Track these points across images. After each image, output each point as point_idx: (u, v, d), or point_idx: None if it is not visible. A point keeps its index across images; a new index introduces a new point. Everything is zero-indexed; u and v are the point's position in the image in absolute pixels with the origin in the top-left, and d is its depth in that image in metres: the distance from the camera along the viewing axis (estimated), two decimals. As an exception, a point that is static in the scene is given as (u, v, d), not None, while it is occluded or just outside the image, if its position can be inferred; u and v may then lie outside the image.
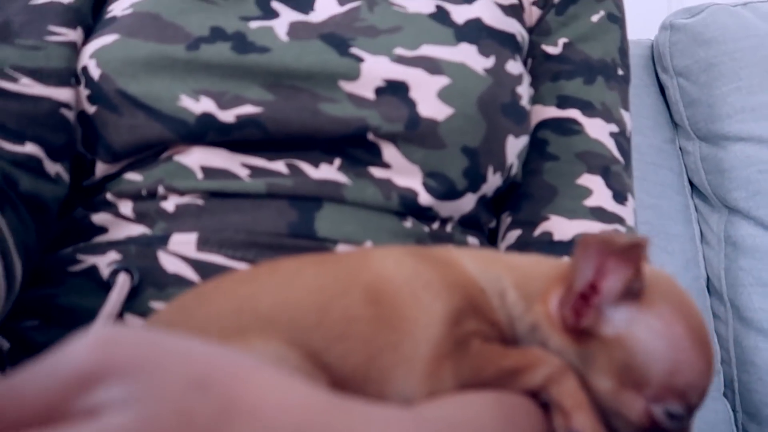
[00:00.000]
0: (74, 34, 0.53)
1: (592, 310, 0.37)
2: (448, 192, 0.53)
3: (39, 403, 0.22)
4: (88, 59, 0.51)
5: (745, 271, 0.77)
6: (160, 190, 0.50)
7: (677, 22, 0.88)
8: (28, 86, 0.50)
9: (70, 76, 0.52)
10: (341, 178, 0.51)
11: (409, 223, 0.52)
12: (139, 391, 0.22)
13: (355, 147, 0.52)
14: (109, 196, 0.51)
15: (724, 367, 0.78)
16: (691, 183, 0.87)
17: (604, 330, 0.36)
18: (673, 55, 0.87)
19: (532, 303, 0.40)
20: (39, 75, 0.51)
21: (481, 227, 0.60)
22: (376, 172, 0.52)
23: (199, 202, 0.49)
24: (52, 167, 0.51)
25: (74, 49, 0.53)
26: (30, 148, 0.49)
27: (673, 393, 0.35)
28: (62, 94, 0.51)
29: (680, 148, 0.88)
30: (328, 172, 0.51)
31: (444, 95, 0.52)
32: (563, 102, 0.62)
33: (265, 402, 0.24)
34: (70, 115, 0.52)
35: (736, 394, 0.76)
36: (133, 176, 0.51)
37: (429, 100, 0.51)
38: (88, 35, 0.54)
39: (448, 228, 0.56)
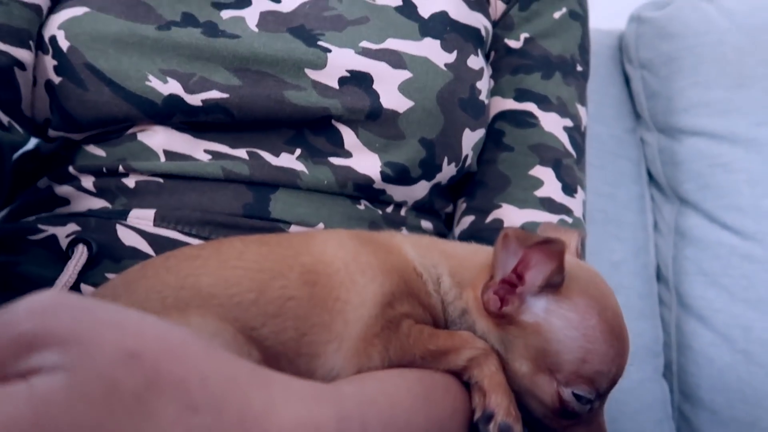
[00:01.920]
0: None
1: (515, 298, 0.40)
2: (402, 178, 0.56)
3: None
4: (56, 29, 0.51)
5: (690, 260, 0.81)
6: (121, 168, 0.52)
7: (645, 15, 0.89)
8: None
9: (29, 38, 0.52)
10: (299, 166, 0.53)
11: (362, 207, 0.55)
12: (72, 359, 0.24)
13: (317, 135, 0.54)
14: (71, 169, 0.53)
15: (665, 350, 0.82)
16: (649, 173, 0.90)
17: (524, 317, 0.40)
18: (638, 47, 0.89)
19: (464, 289, 0.43)
20: None
21: (435, 212, 0.62)
22: (336, 161, 0.54)
23: (159, 180, 0.51)
24: (4, 117, 0.52)
25: (38, 12, 0.53)
26: None
27: (583, 379, 0.39)
28: (18, 53, 0.51)
29: (641, 139, 0.90)
30: (288, 160, 0.53)
31: (405, 88, 0.54)
32: (521, 95, 0.64)
33: (190, 375, 0.26)
34: (21, 75, 0.52)
35: (674, 376, 0.81)
36: (96, 150, 0.53)
37: (391, 92, 0.53)
38: (55, 2, 0.54)
39: (402, 212, 0.58)
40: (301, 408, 0.28)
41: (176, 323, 0.32)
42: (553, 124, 0.64)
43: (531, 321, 0.39)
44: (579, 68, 0.67)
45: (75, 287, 0.46)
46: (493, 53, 0.66)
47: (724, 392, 0.74)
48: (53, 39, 0.52)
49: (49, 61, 0.52)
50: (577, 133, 0.65)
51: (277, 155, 0.53)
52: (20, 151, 0.60)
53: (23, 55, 0.52)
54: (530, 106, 0.64)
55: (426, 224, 0.60)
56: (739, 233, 0.77)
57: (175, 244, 0.48)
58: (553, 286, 0.39)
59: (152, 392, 0.24)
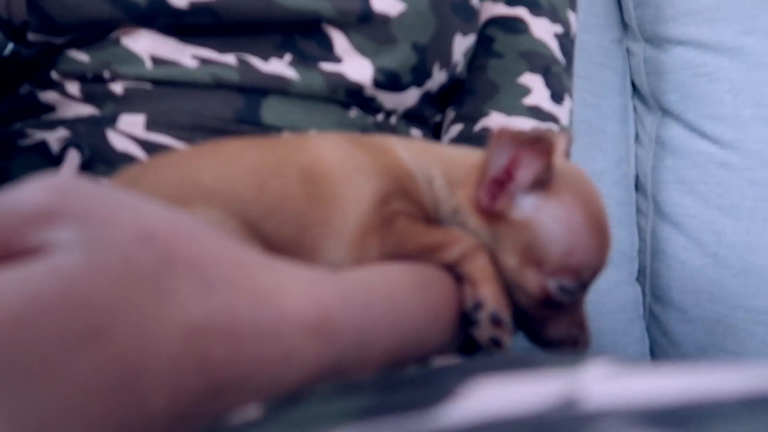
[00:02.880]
0: None
1: (505, 196, 0.41)
2: (393, 84, 0.56)
3: None
4: None
5: (668, 170, 0.83)
6: (106, 74, 0.51)
7: None
8: None
9: None
10: (289, 72, 0.52)
11: (353, 114, 0.55)
12: (90, 236, 0.24)
13: (307, 39, 0.53)
14: (54, 75, 0.52)
15: (640, 256, 0.87)
16: (633, 84, 0.91)
17: (513, 214, 0.41)
18: (629, -48, 0.87)
19: (456, 188, 0.44)
20: None
21: (425, 120, 0.63)
22: (327, 66, 0.53)
23: (147, 86, 0.51)
24: None
25: None
26: None
27: (568, 271, 0.41)
28: None
29: (627, 50, 0.90)
30: (277, 66, 0.52)
31: None
32: (512, 0, 0.63)
33: (203, 256, 0.27)
34: None
35: (647, 280, 0.85)
36: (79, 55, 0.52)
37: None
38: None
39: (393, 120, 0.58)
40: (309, 288, 0.30)
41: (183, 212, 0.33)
42: (543, 30, 0.63)
43: (520, 217, 0.41)
44: (570, -28, 0.66)
45: None
46: (484, -44, 0.64)
47: (693, 293, 0.79)
48: None
49: None
50: (566, 40, 0.65)
51: (267, 60, 0.52)
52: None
53: None
54: (521, 12, 0.63)
55: (416, 132, 0.61)
56: (718, 142, 0.79)
57: (167, 149, 0.48)
58: (542, 183, 0.41)
59: (168, 270, 0.25)
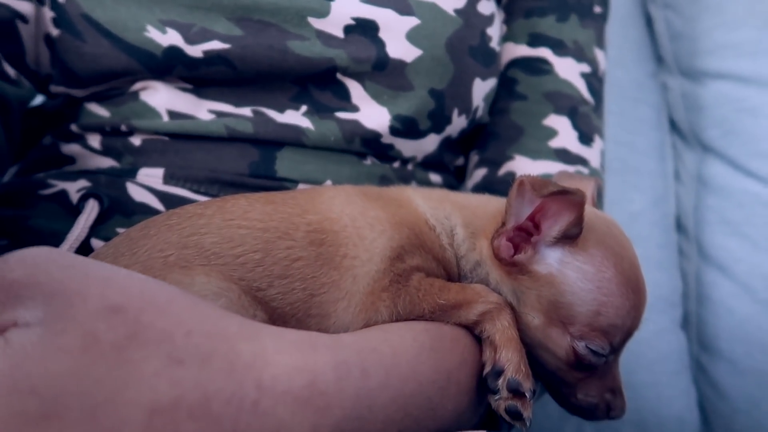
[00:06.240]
0: None
1: (530, 247, 0.39)
2: (410, 131, 0.54)
3: None
4: None
5: (711, 210, 0.78)
6: (124, 127, 0.51)
7: (669, -49, 0.84)
8: None
9: None
10: (304, 122, 0.51)
11: (369, 162, 0.54)
12: (53, 311, 0.24)
13: (322, 90, 0.52)
14: (74, 127, 0.52)
15: (683, 301, 0.81)
16: (670, 119, 0.87)
17: (537, 267, 0.38)
18: (662, -15, 0.84)
19: (477, 239, 0.41)
20: None
21: (445, 166, 0.61)
22: (343, 115, 0.52)
23: (165, 138, 0.51)
24: (11, 71, 0.51)
25: None
26: None
27: (597, 332, 0.38)
28: (19, 5, 0.50)
29: (663, 84, 0.87)
30: (293, 117, 0.51)
31: (413, 36, 0.51)
32: (535, 40, 0.61)
33: (175, 328, 0.26)
34: (24, 28, 0.51)
35: (692, 327, 0.80)
36: (99, 110, 0.52)
37: (398, 40, 0.51)
38: None
39: (409, 167, 0.57)
40: (296, 355, 0.28)
41: (178, 281, 0.32)
42: (568, 69, 0.61)
43: (544, 272, 0.38)
44: (597, 9, 0.64)
45: (86, 242, 0.45)
46: (505, -4, 0.63)
47: (744, 343, 0.73)
48: None
49: (48, 13, 0.50)
50: (594, 79, 0.63)
51: (282, 112, 0.52)
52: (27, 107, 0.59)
53: (24, 7, 0.50)
54: (544, 52, 0.61)
55: (435, 178, 0.59)
56: (764, 180, 0.75)
57: (185, 202, 0.48)
58: (570, 237, 0.38)
59: (134, 344, 0.24)
